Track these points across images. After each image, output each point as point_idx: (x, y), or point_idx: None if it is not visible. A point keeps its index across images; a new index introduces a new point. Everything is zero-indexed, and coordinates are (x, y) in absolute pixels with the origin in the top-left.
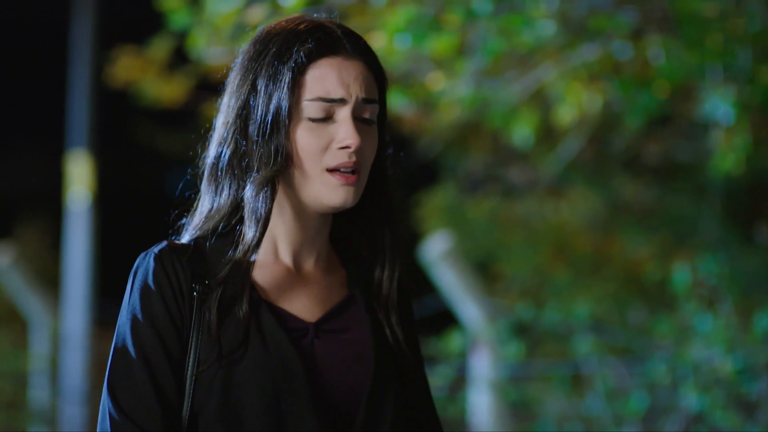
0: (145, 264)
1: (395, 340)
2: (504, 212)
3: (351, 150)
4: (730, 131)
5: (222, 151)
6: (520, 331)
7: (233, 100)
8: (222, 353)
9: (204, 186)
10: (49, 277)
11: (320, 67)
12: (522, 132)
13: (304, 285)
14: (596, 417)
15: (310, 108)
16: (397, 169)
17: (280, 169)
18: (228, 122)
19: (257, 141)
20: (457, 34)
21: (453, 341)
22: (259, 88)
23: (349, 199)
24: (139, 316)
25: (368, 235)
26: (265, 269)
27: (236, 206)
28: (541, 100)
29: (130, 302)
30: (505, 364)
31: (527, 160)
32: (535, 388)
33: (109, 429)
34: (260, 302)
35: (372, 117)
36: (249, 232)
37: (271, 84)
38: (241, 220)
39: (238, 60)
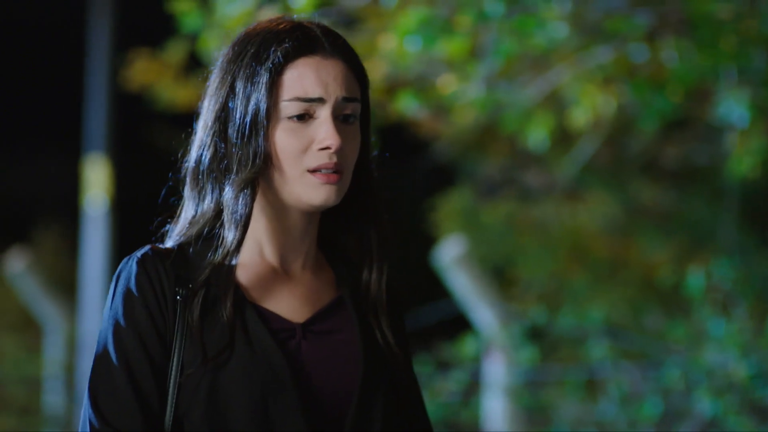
0: (128, 268)
1: (385, 342)
2: (521, 216)
3: (332, 151)
4: (745, 134)
5: (202, 154)
6: (535, 335)
7: (212, 103)
8: (207, 357)
9: (187, 191)
10: (66, 282)
11: (298, 67)
12: (537, 135)
13: (292, 286)
14: (610, 422)
15: (288, 108)
16: (415, 173)
17: (259, 170)
18: (207, 125)
19: (236, 143)
20: (468, 36)
21: (467, 346)
22: (237, 90)
23: (330, 198)
24: (122, 322)
25: (356, 236)
26: (250, 271)
27: (219, 211)
28: (555, 103)
29: (112, 307)
30: (519, 369)
31: (544, 163)
32: (549, 393)
33: None
34: (245, 304)
35: (354, 116)
36: (229, 234)
37: (249, 85)
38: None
39: (218, 62)
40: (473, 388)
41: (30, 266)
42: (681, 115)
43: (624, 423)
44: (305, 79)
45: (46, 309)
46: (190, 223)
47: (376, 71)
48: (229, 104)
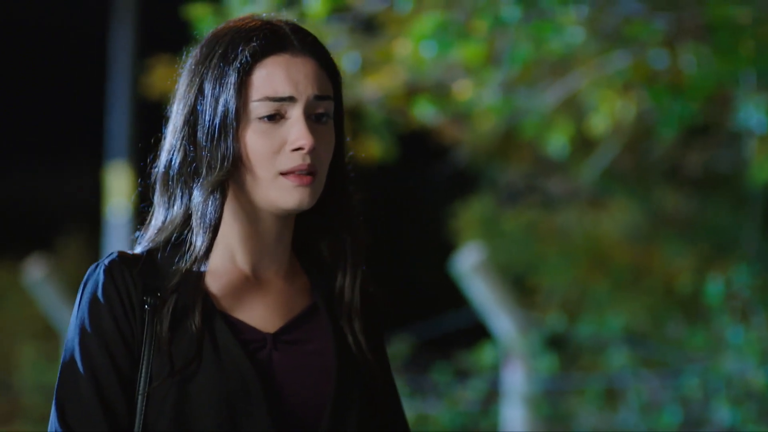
0: (95, 276)
1: (359, 349)
2: (543, 224)
3: (305, 152)
4: (764, 140)
5: (172, 159)
6: (554, 344)
7: (181, 106)
8: (174, 368)
9: (156, 197)
10: None
11: (267, 66)
12: (557, 142)
13: (264, 294)
14: (630, 431)
15: (258, 109)
16: (436, 180)
17: (228, 173)
18: (176, 129)
19: (205, 146)
20: (485, 41)
21: (485, 354)
22: (206, 91)
23: (305, 201)
24: (88, 331)
25: (330, 240)
26: (221, 278)
27: (189, 216)
28: (574, 109)
29: (78, 316)
30: (538, 378)
31: (567, 170)
32: (568, 402)
33: None
34: (215, 313)
35: (327, 115)
36: (198, 239)
37: (218, 86)
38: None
39: (187, 64)
40: (492, 396)
41: (50, 274)
42: (701, 121)
43: None
44: (275, 77)
45: (66, 317)
46: (159, 230)
47: (395, 77)
48: (198, 107)
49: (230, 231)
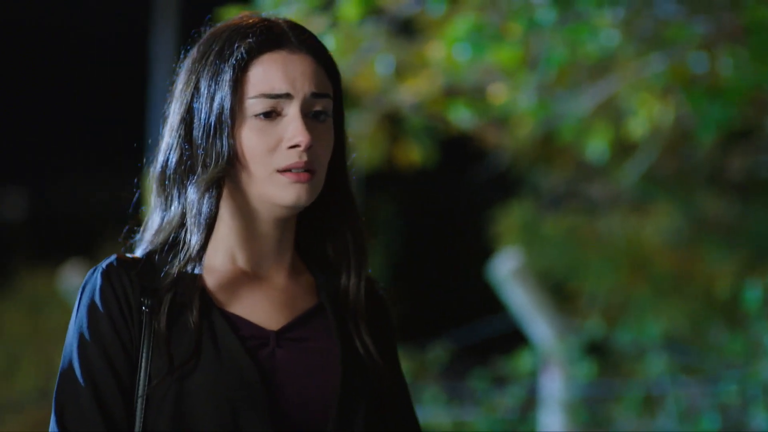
0: (93, 281)
1: (365, 350)
2: (584, 229)
3: (301, 149)
4: None
5: (168, 158)
6: (593, 350)
7: (177, 105)
8: (173, 365)
9: (153, 198)
10: None
11: (263, 63)
12: (596, 146)
13: (267, 292)
14: None
15: (254, 106)
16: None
17: (223, 171)
18: (173, 128)
19: (201, 144)
20: (519, 44)
21: (523, 361)
22: (202, 89)
23: (302, 197)
24: (87, 336)
25: (333, 241)
26: (221, 276)
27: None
28: (613, 113)
29: (77, 321)
30: (576, 384)
31: (608, 175)
32: (607, 409)
33: None
34: (213, 309)
35: (325, 113)
36: (193, 237)
37: (213, 84)
38: None
39: (184, 62)
40: (530, 403)
41: None
42: (741, 125)
43: None
44: (271, 74)
45: None
46: (157, 231)
47: (432, 81)
48: (194, 105)
49: (229, 231)
